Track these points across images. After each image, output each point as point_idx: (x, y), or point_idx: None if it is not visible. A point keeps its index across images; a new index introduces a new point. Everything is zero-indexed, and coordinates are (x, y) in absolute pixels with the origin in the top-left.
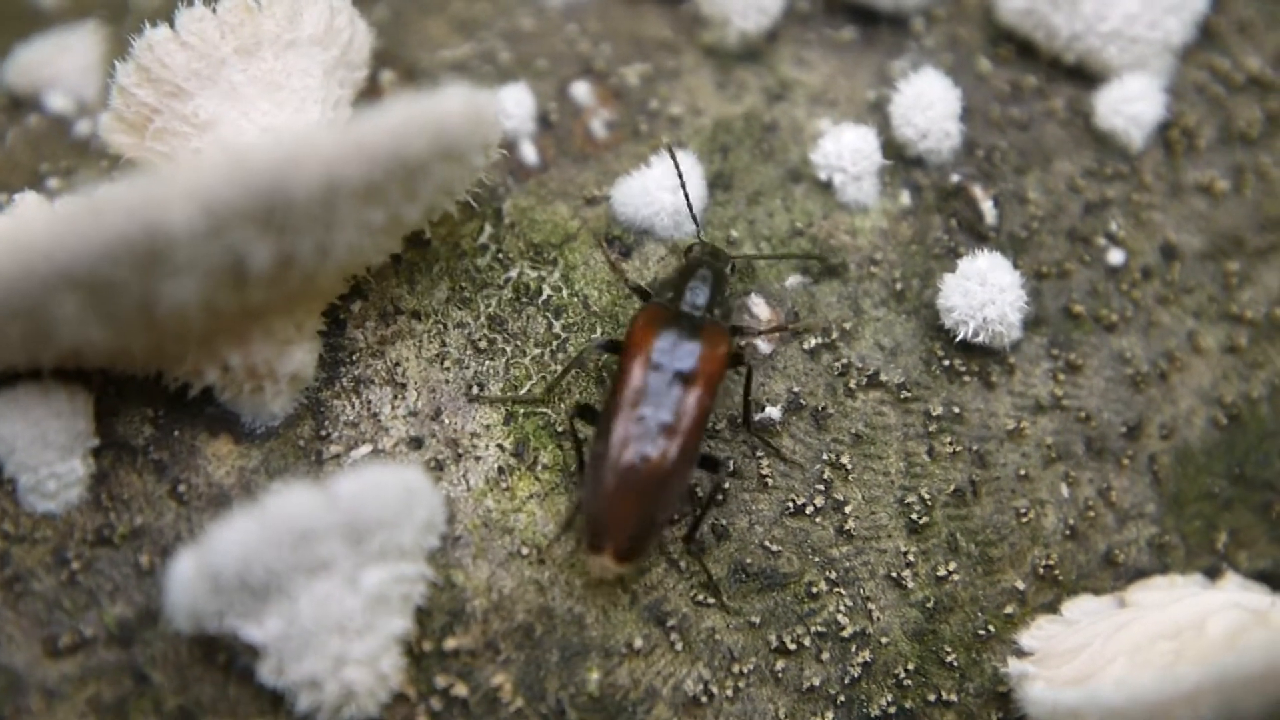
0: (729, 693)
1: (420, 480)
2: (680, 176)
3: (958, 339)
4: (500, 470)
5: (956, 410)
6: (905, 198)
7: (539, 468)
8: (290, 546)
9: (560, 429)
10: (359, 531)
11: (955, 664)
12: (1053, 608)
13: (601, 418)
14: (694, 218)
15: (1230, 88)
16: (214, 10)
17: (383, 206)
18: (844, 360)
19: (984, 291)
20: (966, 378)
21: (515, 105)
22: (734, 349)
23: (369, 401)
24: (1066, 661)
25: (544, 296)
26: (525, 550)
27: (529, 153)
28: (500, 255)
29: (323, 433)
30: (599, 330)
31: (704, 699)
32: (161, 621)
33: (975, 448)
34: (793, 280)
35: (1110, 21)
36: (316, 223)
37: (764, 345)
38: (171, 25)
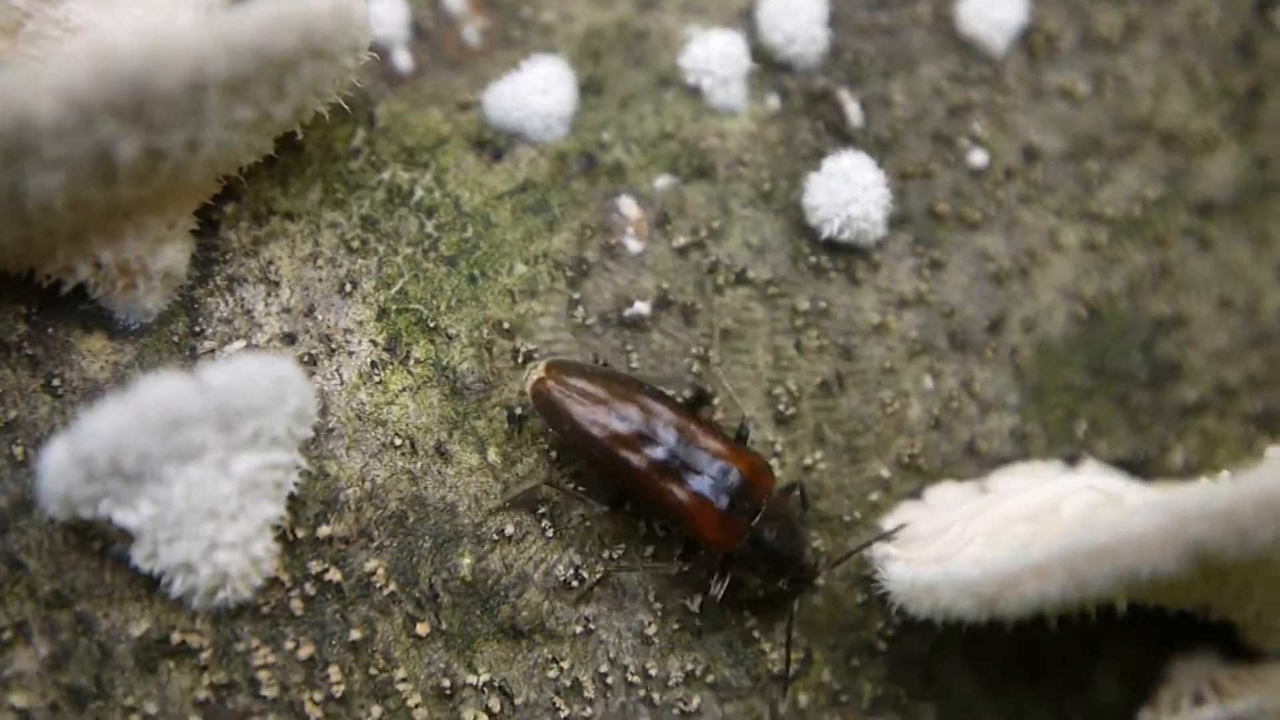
0: (599, 578)
1: (291, 370)
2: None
3: (824, 237)
4: (373, 364)
5: (823, 305)
6: (773, 101)
7: (411, 362)
8: (162, 433)
9: (432, 324)
10: (230, 419)
11: (822, 548)
12: (916, 495)
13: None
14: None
15: None
16: None
17: (251, 103)
18: (713, 258)
19: (848, 190)
20: (833, 274)
21: (388, 13)
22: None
23: (243, 299)
24: (928, 544)
25: (416, 198)
26: (398, 441)
27: (402, 59)
28: (373, 158)
29: (197, 329)
30: (469, 230)
31: (575, 583)
32: (36, 510)
33: (841, 341)
34: (662, 181)
35: None
36: (184, 118)
37: (633, 242)
38: None
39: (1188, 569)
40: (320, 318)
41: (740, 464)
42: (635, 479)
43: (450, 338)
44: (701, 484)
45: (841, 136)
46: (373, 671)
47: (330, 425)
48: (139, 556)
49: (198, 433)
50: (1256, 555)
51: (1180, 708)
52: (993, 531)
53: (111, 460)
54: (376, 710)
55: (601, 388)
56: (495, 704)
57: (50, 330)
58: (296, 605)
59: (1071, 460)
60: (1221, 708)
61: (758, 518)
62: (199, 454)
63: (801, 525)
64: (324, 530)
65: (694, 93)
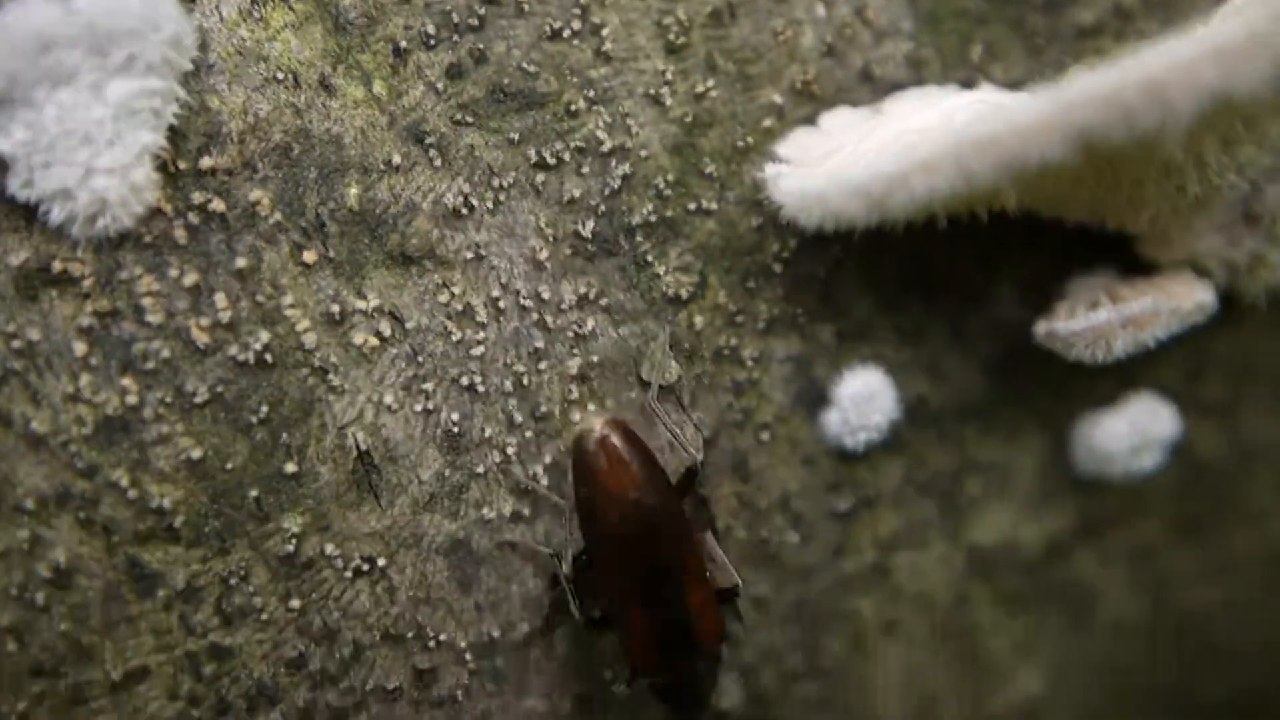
0: (489, 205)
1: None
2: None
3: None
4: (252, 1)
5: None
6: None
7: None
8: (30, 53)
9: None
10: (101, 41)
11: (714, 175)
12: (810, 121)
13: None
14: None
15: None
16: None
17: None
18: None
19: None
20: None
21: None
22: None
23: None
24: (820, 165)
25: None
26: (281, 76)
27: None
28: None
29: None
30: None
31: (464, 211)
32: None
33: None
34: None
35: None
36: None
37: None
38: None
39: (1074, 156)
40: None
41: (700, 623)
42: (608, 570)
43: None
44: (654, 613)
45: None
46: (260, 299)
47: (211, 61)
48: (15, 185)
49: (68, 55)
50: (1142, 139)
51: (1076, 315)
52: (884, 146)
53: None
54: (265, 335)
55: (637, 474)
56: (386, 328)
57: None
58: (180, 234)
59: (967, 85)
60: (1115, 310)
61: (682, 663)
62: (71, 77)
63: (710, 681)
64: (206, 162)
65: None
